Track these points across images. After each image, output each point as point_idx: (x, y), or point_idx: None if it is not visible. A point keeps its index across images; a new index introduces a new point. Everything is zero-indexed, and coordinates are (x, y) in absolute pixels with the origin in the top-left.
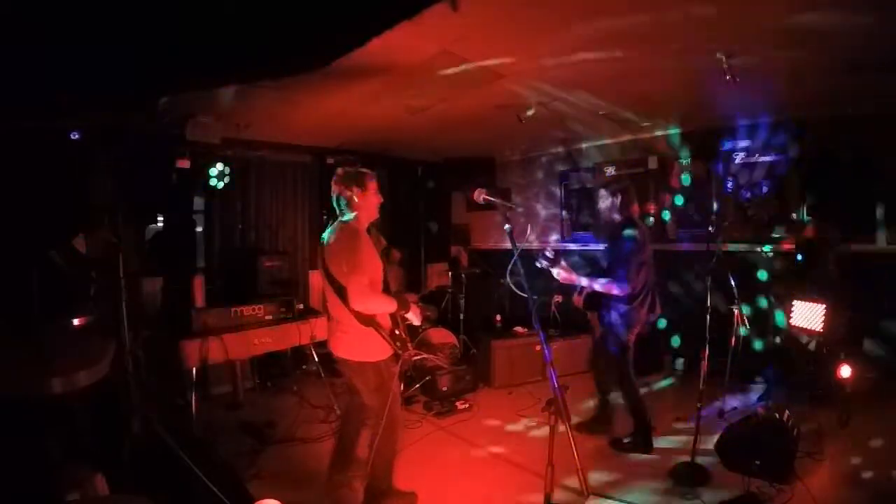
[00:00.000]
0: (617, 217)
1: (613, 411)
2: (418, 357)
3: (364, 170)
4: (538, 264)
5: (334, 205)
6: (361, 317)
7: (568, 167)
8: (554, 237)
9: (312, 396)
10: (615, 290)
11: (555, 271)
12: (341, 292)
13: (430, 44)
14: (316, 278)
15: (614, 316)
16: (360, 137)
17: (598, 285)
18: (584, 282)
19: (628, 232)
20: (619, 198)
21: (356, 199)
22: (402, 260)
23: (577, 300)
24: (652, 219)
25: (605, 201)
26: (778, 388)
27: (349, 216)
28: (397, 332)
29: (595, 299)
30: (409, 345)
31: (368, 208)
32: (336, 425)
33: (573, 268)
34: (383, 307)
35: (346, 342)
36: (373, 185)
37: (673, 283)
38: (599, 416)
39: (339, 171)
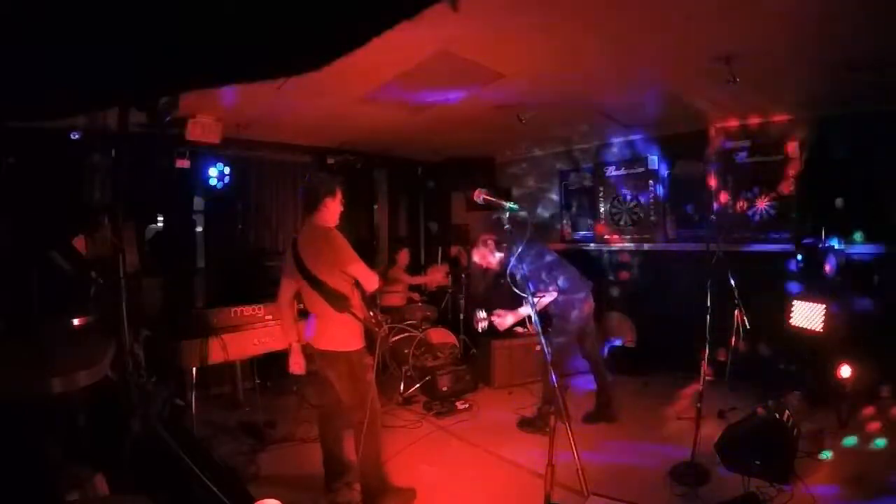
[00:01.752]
0: (503, 255)
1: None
2: (396, 336)
3: (335, 179)
4: (480, 330)
5: (303, 206)
6: (337, 305)
7: (568, 167)
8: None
9: (312, 396)
10: (551, 296)
11: (497, 321)
12: (320, 286)
13: (430, 43)
14: None
15: (559, 318)
16: (360, 137)
17: (544, 301)
18: (526, 311)
19: (534, 248)
20: (485, 245)
21: (327, 205)
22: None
23: (531, 328)
24: (653, 218)
25: (475, 256)
26: (778, 388)
27: (317, 218)
28: (371, 313)
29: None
30: (382, 323)
31: (333, 214)
32: (318, 430)
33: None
34: (376, 277)
35: (327, 334)
36: (339, 194)
37: (673, 283)
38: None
39: (313, 175)
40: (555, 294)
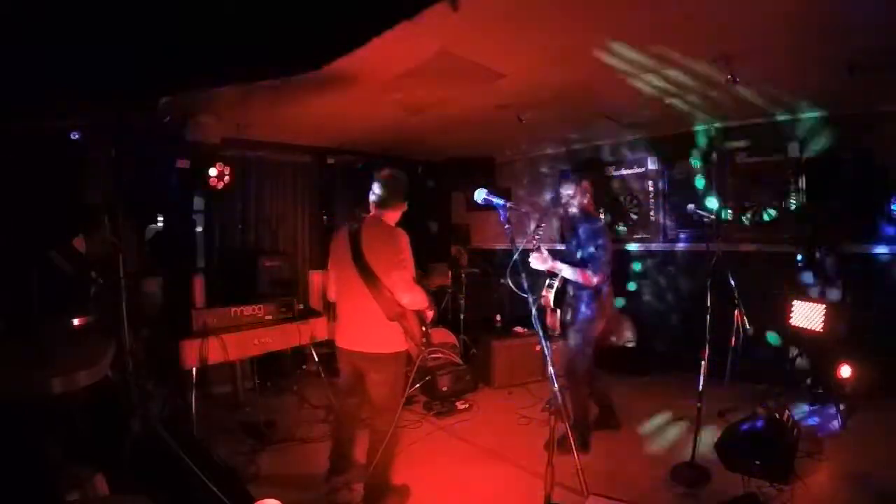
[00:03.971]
0: (575, 209)
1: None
2: (434, 356)
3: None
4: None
5: (377, 199)
6: (390, 311)
7: (568, 167)
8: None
9: (312, 396)
10: (592, 280)
11: (532, 256)
12: (377, 287)
13: (430, 44)
14: (316, 278)
15: (586, 309)
16: (360, 137)
17: (574, 273)
18: (560, 267)
19: (597, 223)
20: (582, 187)
21: (400, 208)
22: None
23: (547, 299)
24: (653, 218)
25: (568, 188)
26: (778, 388)
27: (386, 216)
28: (423, 328)
29: (561, 296)
30: (426, 348)
31: (397, 217)
32: (332, 428)
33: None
34: (422, 300)
35: (375, 336)
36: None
37: (673, 282)
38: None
39: (401, 175)
40: (578, 275)
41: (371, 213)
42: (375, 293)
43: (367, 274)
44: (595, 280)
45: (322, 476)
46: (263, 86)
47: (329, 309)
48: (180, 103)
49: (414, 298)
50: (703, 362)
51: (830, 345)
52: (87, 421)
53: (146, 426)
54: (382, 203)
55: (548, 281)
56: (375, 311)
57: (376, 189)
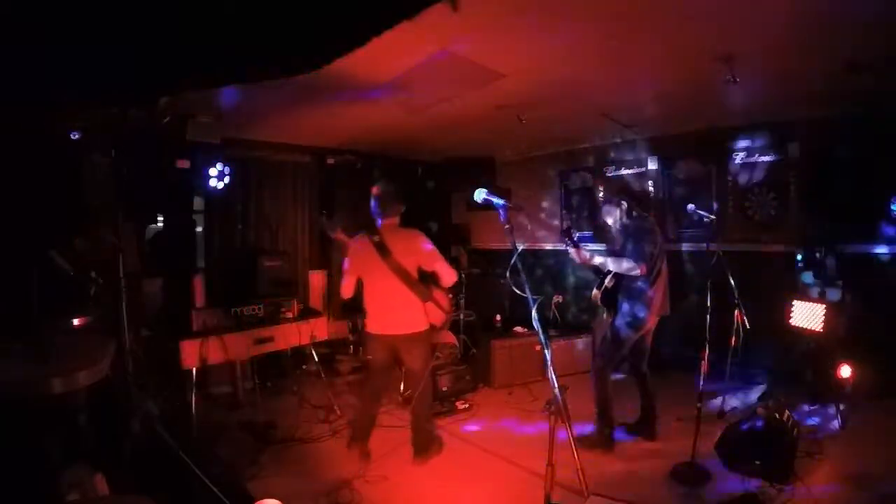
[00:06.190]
0: (627, 221)
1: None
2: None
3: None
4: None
5: (380, 212)
6: (423, 295)
7: (568, 167)
8: (553, 239)
9: (312, 396)
10: (628, 267)
11: (571, 251)
12: (410, 278)
13: (430, 44)
14: (316, 278)
15: (629, 304)
16: (360, 137)
17: (613, 263)
18: (597, 260)
19: (639, 221)
20: (624, 205)
21: (400, 210)
22: None
23: (596, 295)
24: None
25: (610, 215)
26: (778, 388)
27: (397, 221)
28: (448, 295)
29: (612, 295)
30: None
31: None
32: (359, 400)
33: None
34: (455, 273)
35: (411, 319)
36: None
37: (673, 282)
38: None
39: (390, 186)
40: (615, 265)
41: (384, 223)
42: (410, 285)
43: (401, 272)
44: (630, 267)
45: (321, 483)
46: (263, 86)
47: (330, 308)
48: (180, 103)
49: (454, 276)
50: (703, 362)
51: (830, 345)
52: (87, 421)
53: (146, 426)
54: (386, 213)
55: (599, 279)
56: (413, 299)
57: (375, 206)
